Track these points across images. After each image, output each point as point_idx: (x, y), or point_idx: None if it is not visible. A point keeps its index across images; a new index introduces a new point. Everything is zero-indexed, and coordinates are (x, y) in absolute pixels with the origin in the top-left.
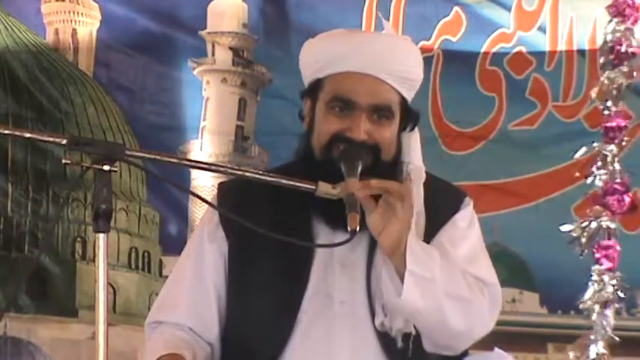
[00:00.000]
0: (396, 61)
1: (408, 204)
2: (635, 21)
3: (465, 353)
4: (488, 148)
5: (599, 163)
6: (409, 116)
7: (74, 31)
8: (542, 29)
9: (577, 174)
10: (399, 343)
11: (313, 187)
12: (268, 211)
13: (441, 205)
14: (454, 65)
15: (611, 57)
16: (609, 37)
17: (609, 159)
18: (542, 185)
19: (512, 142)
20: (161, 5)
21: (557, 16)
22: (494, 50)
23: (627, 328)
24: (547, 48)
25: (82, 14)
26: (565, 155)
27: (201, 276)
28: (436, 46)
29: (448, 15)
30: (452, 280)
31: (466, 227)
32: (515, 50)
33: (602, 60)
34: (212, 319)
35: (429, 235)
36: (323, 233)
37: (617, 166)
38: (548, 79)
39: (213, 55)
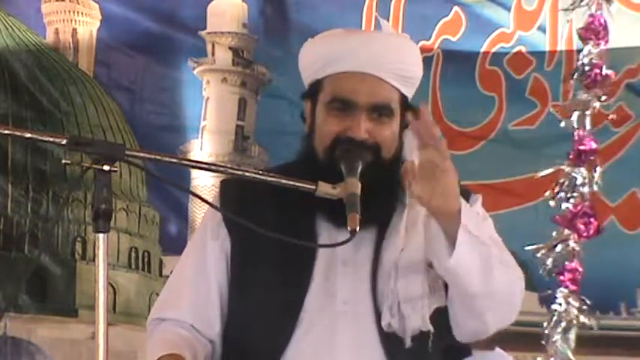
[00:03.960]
0: (394, 60)
1: (446, 164)
2: (607, 42)
3: (469, 353)
4: (488, 148)
5: (566, 186)
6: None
7: (74, 31)
8: (541, 29)
9: (547, 193)
10: (408, 344)
11: (313, 187)
12: (271, 209)
13: None
14: (454, 65)
15: (585, 80)
16: (585, 60)
17: (579, 182)
18: (542, 185)
19: (512, 141)
20: (161, 5)
21: (556, 15)
22: (494, 50)
23: (627, 328)
24: (547, 48)
25: (82, 14)
26: (565, 155)
27: (203, 273)
28: (436, 46)
29: (448, 15)
30: (498, 245)
31: (483, 220)
32: (515, 50)
33: (569, 42)
34: (214, 317)
35: None
36: (326, 232)
37: (586, 189)
38: (548, 78)
39: (213, 55)
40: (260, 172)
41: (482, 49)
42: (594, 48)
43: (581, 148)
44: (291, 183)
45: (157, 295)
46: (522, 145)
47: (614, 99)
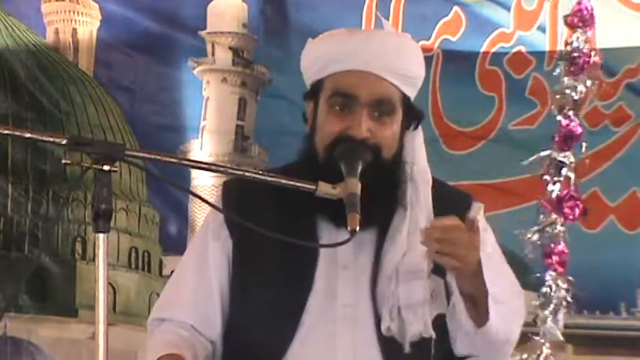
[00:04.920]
0: (396, 59)
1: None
2: (592, 29)
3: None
4: (488, 148)
5: (552, 171)
6: (412, 114)
7: (74, 31)
8: (541, 29)
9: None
10: (407, 349)
11: (313, 187)
12: (273, 210)
13: (449, 212)
14: (454, 65)
15: (572, 67)
16: (574, 45)
17: (566, 166)
18: (542, 185)
19: (512, 141)
20: (161, 5)
21: (556, 15)
22: (493, 50)
23: (627, 328)
24: (547, 47)
25: (82, 14)
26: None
27: (204, 274)
28: (436, 46)
29: (448, 15)
30: (512, 299)
31: (483, 231)
32: (514, 50)
33: (560, 69)
34: (215, 317)
35: None
36: (326, 233)
37: (571, 174)
38: (547, 78)
39: (213, 55)
40: (260, 172)
41: (482, 49)
42: (582, 35)
43: (567, 133)
44: (292, 183)
45: (157, 295)
46: (522, 145)
47: (614, 98)
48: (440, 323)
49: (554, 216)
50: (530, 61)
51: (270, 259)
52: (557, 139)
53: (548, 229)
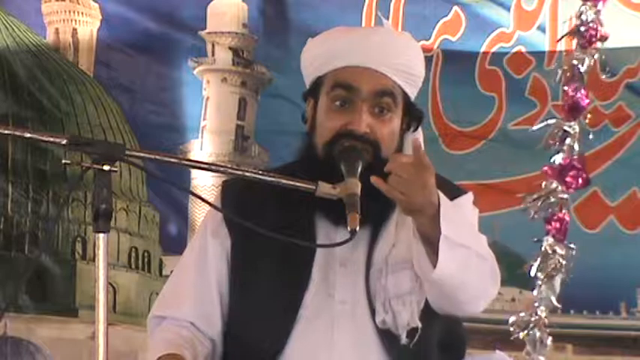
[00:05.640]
0: (395, 55)
1: (415, 172)
2: (604, 1)
3: (464, 353)
4: (487, 148)
5: (557, 139)
6: (412, 114)
7: (74, 31)
8: (541, 29)
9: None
10: (404, 340)
11: (313, 187)
12: (271, 209)
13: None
14: (454, 65)
15: (581, 40)
16: (584, 18)
17: (570, 136)
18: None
19: (512, 141)
20: (161, 5)
21: (556, 15)
22: (493, 50)
23: (627, 328)
24: (546, 47)
25: (82, 14)
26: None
27: (204, 272)
28: (436, 46)
29: (447, 15)
30: (478, 241)
31: (469, 210)
32: (514, 50)
33: (569, 41)
34: (214, 315)
35: None
36: (324, 231)
37: (576, 144)
38: (547, 78)
39: (213, 55)
40: (260, 172)
41: (482, 49)
42: (591, 8)
43: (573, 104)
44: (291, 183)
45: (157, 295)
46: (522, 145)
47: (614, 98)
48: (429, 312)
49: (556, 184)
50: (530, 61)
51: (269, 255)
52: (563, 109)
53: (551, 196)
